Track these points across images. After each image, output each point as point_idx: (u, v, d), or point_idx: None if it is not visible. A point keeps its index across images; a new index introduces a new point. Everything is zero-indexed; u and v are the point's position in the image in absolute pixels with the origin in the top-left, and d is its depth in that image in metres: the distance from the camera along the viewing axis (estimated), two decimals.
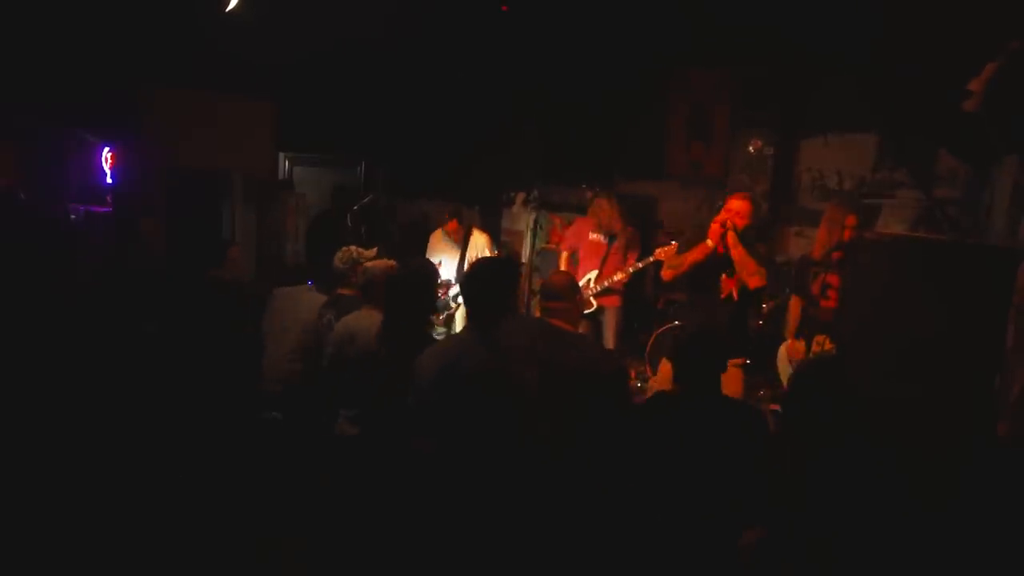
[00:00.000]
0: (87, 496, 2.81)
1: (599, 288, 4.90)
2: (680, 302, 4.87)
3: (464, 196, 5.91)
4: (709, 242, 3.95)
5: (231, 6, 4.86)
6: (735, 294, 3.94)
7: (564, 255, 5.29)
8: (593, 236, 5.10)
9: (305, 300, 3.74)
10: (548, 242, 6.95)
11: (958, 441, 2.68)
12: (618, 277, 4.85)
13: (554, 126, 6.82)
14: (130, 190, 5.17)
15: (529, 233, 6.78)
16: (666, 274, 4.23)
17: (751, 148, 6.26)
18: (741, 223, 3.94)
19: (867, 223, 5.57)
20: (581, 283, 4.87)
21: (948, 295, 2.81)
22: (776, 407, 4.65)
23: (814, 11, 5.15)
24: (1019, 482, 2.52)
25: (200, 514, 2.78)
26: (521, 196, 7.20)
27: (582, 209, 5.45)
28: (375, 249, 3.69)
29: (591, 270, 5.03)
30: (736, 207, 3.99)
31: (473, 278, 2.55)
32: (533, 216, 6.96)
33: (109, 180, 5.14)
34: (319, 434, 3.13)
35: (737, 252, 3.84)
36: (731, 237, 3.85)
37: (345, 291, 3.55)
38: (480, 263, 2.84)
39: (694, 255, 3.98)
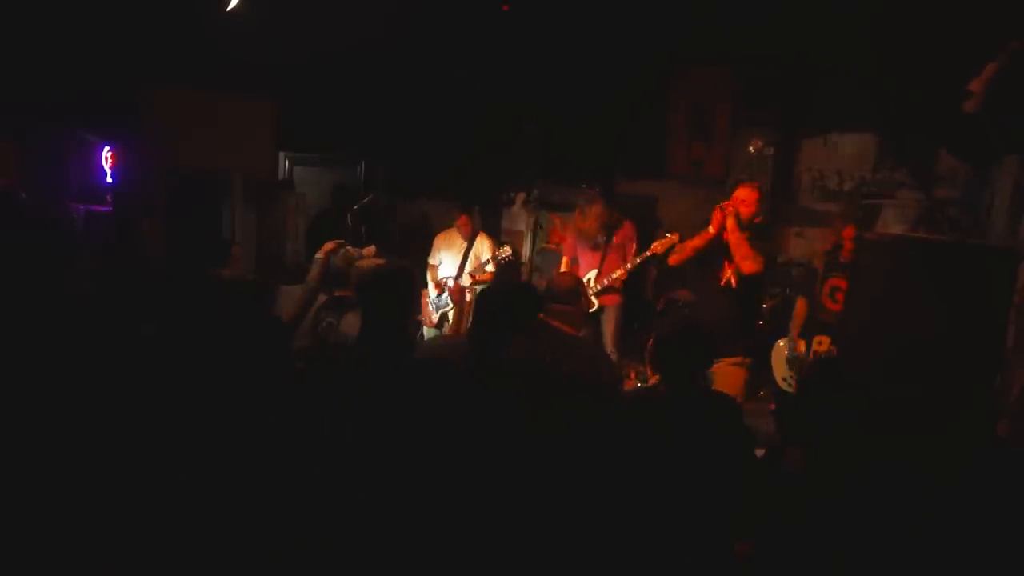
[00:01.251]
0: (88, 500, 2.80)
1: (599, 287, 4.90)
2: (680, 301, 4.87)
3: (464, 196, 5.90)
4: (711, 228, 4.05)
5: (231, 5, 4.86)
6: (733, 281, 4.03)
7: (565, 259, 5.28)
8: (588, 238, 5.09)
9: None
10: (548, 242, 6.95)
11: (958, 441, 2.68)
12: (617, 274, 4.84)
13: (554, 125, 6.82)
14: (130, 190, 5.17)
15: (529, 233, 6.79)
16: (672, 259, 4.35)
17: (752, 148, 6.26)
18: (746, 211, 4.01)
19: (867, 223, 5.60)
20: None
21: (949, 295, 2.82)
22: (774, 406, 4.70)
23: (815, 10, 5.15)
24: (1019, 481, 2.52)
25: (209, 518, 2.76)
26: (521, 196, 7.20)
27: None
28: (373, 248, 3.69)
29: (591, 269, 5.02)
30: (743, 195, 4.07)
31: (495, 301, 2.53)
32: (534, 216, 6.96)
33: (109, 179, 5.14)
34: (321, 436, 3.11)
35: (733, 236, 3.94)
36: (730, 222, 3.94)
37: (345, 293, 3.54)
38: (506, 289, 2.82)
39: (695, 241, 4.11)
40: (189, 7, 5.00)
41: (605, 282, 4.85)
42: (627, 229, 5.04)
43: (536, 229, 6.74)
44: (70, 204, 4.70)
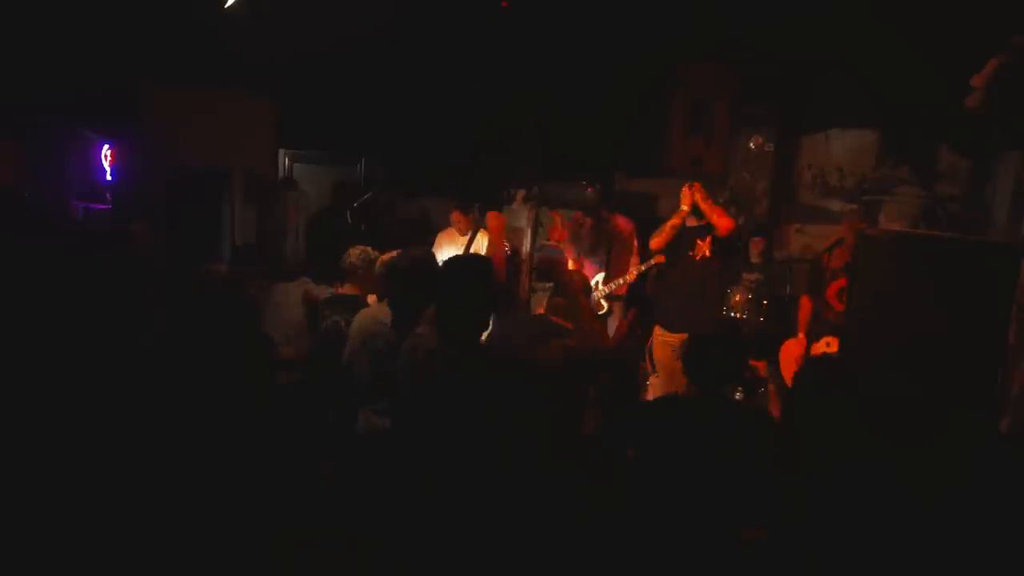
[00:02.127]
0: (87, 491, 2.79)
1: (607, 291, 4.93)
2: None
3: (465, 193, 5.90)
4: (684, 206, 4.44)
5: (229, 3, 4.85)
6: (708, 252, 4.44)
7: (571, 259, 5.28)
8: (589, 253, 5.11)
9: (304, 295, 3.75)
10: (548, 239, 6.94)
11: (959, 437, 2.67)
12: (623, 280, 4.87)
13: (554, 123, 6.81)
14: (130, 188, 5.16)
15: (529, 230, 6.77)
16: (653, 242, 4.64)
17: (752, 145, 6.25)
18: (702, 196, 4.43)
19: (868, 220, 5.59)
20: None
21: (950, 292, 2.81)
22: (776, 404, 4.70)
23: (815, 6, 5.14)
24: (1020, 478, 2.51)
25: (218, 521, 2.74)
26: (521, 193, 7.19)
27: (582, 205, 5.43)
28: (395, 253, 3.68)
29: (596, 272, 5.04)
30: (697, 185, 4.49)
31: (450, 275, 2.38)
32: (533, 213, 6.95)
33: (109, 177, 5.13)
34: (333, 433, 3.11)
35: (706, 203, 4.38)
36: (698, 193, 4.38)
37: (346, 290, 3.54)
38: (457, 260, 2.64)
39: (673, 221, 4.49)
40: (188, 5, 4.99)
41: (612, 287, 4.89)
42: (624, 227, 5.06)
43: (536, 226, 6.73)
44: (70, 202, 4.69)
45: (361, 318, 3.12)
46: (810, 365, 3.67)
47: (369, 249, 3.59)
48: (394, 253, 3.28)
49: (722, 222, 4.33)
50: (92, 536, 2.68)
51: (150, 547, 2.63)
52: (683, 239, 4.50)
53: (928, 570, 2.30)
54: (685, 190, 4.45)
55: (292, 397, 3.55)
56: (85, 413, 2.94)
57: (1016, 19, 3.45)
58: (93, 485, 2.79)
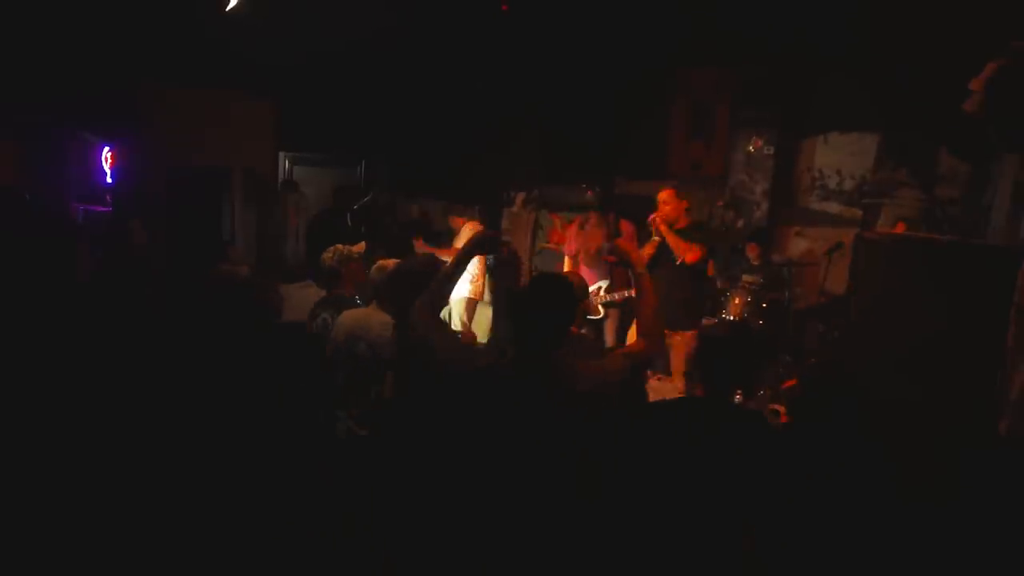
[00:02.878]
0: (89, 504, 2.78)
1: (608, 299, 4.94)
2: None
3: (465, 196, 5.91)
4: (655, 236, 4.53)
5: (231, 5, 4.86)
6: (687, 262, 4.51)
7: (568, 259, 5.29)
8: (594, 253, 5.11)
9: (305, 297, 3.74)
10: (548, 241, 6.96)
11: (959, 440, 2.67)
12: (627, 293, 4.89)
13: (554, 126, 6.82)
14: (130, 189, 5.17)
15: (529, 233, 6.79)
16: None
17: (751, 148, 6.26)
18: (669, 210, 4.48)
19: (868, 223, 5.60)
20: (591, 289, 4.88)
21: (949, 295, 2.81)
22: (776, 406, 4.70)
23: (815, 10, 5.15)
24: (1019, 480, 2.51)
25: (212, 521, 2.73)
26: (521, 196, 7.20)
27: (582, 208, 5.44)
28: (363, 244, 3.68)
29: (599, 278, 5.04)
30: (663, 197, 4.54)
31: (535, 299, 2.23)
32: (533, 216, 6.97)
33: (109, 179, 5.14)
34: (318, 436, 3.10)
35: (669, 237, 4.44)
36: (662, 228, 4.45)
37: (339, 290, 3.54)
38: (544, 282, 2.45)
39: (648, 250, 4.54)
40: (189, 7, 5.00)
41: (616, 296, 4.90)
42: (625, 229, 5.06)
43: (536, 229, 6.74)
44: (70, 204, 4.70)
45: (345, 318, 3.09)
46: (811, 368, 3.67)
47: (340, 246, 3.59)
48: (391, 261, 3.27)
49: (688, 256, 4.43)
50: (93, 534, 2.68)
51: (157, 546, 2.63)
52: (663, 248, 4.53)
53: (929, 571, 2.29)
54: (651, 223, 4.52)
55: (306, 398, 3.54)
56: (84, 411, 2.94)
57: (1015, 23, 3.45)
58: (93, 485, 2.78)
